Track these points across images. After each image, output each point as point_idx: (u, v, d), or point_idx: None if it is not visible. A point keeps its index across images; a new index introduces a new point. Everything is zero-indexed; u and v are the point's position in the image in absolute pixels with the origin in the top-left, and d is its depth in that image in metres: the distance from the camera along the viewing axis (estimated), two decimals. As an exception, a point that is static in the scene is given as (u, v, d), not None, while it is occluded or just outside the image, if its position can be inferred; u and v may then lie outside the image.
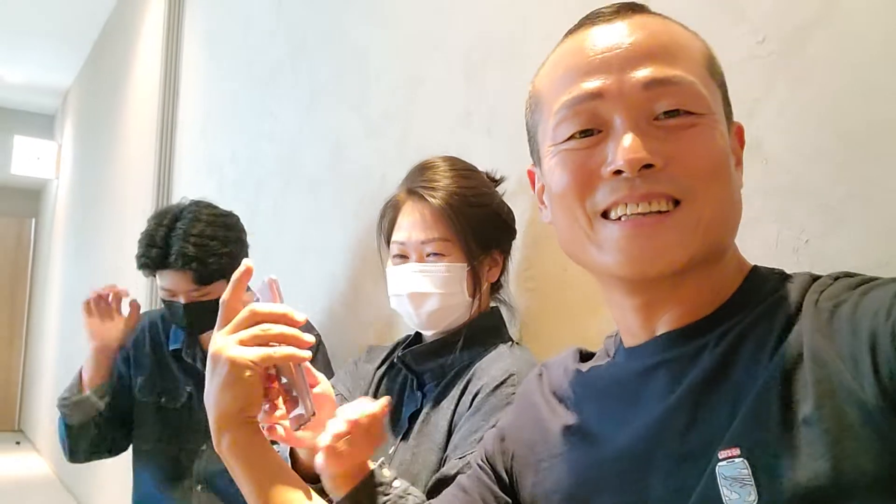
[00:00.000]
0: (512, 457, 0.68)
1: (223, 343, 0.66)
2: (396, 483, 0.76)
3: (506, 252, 1.08)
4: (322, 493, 0.74)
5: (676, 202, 0.53)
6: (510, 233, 1.08)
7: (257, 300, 0.71)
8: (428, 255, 1.00)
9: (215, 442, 0.67)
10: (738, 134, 0.61)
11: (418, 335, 1.10)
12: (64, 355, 5.21)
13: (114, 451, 1.71)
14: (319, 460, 0.73)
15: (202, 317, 1.53)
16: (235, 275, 0.69)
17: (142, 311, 1.77)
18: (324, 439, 0.72)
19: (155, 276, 1.54)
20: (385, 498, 0.73)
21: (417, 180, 1.04)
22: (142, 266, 1.53)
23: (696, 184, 0.53)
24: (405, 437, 1.00)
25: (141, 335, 1.70)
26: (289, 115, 2.12)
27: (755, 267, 0.59)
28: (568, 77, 0.57)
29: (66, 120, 6.28)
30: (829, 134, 0.75)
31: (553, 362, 0.72)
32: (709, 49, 0.59)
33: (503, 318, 1.09)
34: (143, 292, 3.13)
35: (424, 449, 0.95)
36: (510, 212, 1.08)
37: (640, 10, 0.59)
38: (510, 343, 1.03)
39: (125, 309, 1.70)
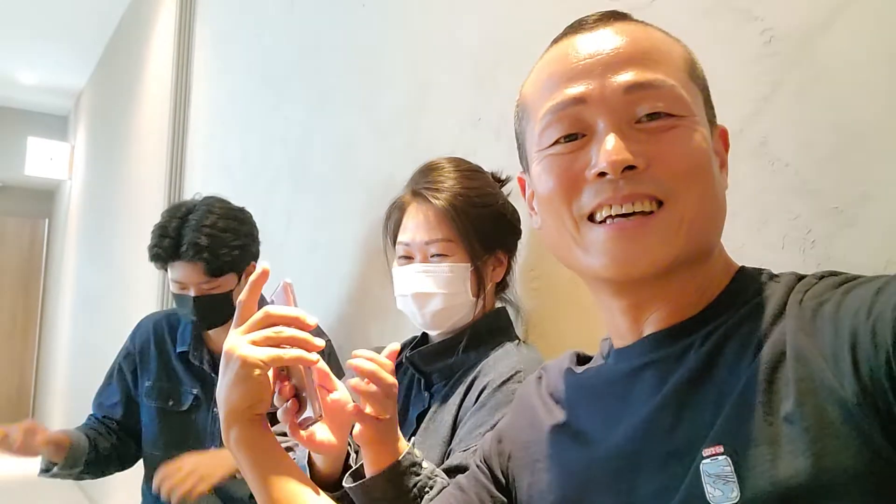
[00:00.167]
0: (509, 458, 0.69)
1: (236, 342, 0.68)
2: (425, 464, 0.80)
3: (511, 252, 1.08)
4: (339, 501, 0.77)
5: (660, 203, 0.54)
6: (515, 233, 1.08)
7: (272, 302, 0.73)
8: (431, 256, 1.01)
9: (224, 436, 0.69)
10: (723, 136, 0.62)
11: (425, 336, 1.11)
12: (76, 353, 5.26)
13: (126, 465, 1.71)
14: (356, 430, 0.78)
15: (212, 310, 1.53)
16: (252, 277, 0.71)
17: (147, 313, 1.79)
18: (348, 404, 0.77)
19: (166, 269, 1.54)
20: (417, 478, 0.78)
21: (422, 182, 1.05)
22: (154, 257, 1.53)
23: (678, 184, 0.54)
24: (412, 436, 1.00)
25: (146, 339, 1.69)
26: (299, 117, 2.13)
27: (742, 267, 0.60)
28: (552, 83, 0.59)
29: (79, 121, 6.34)
30: (836, 134, 0.75)
31: (552, 365, 0.73)
32: (690, 53, 0.60)
33: (510, 317, 1.09)
34: (154, 291, 3.16)
35: (429, 444, 0.95)
36: (515, 212, 1.08)
37: (623, 17, 0.60)
38: (517, 341, 1.04)
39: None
